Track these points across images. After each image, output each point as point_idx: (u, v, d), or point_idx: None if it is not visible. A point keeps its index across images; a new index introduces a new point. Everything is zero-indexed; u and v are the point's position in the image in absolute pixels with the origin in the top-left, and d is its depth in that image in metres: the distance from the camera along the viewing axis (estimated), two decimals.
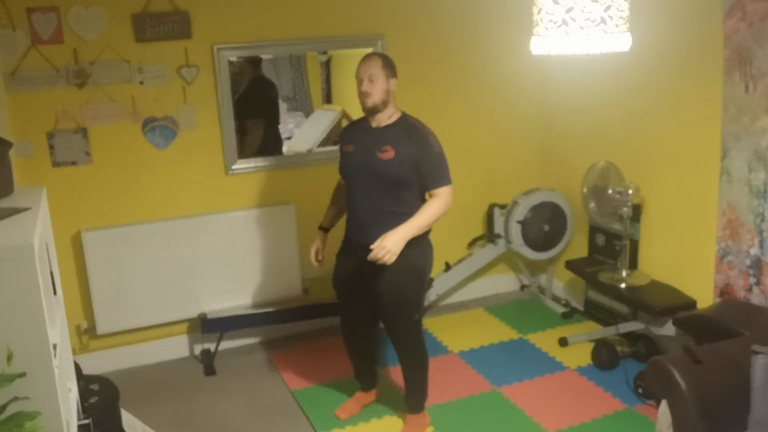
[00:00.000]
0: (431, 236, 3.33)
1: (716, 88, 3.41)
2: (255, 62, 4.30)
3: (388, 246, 3.02)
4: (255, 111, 4.33)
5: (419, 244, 3.17)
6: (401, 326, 3.28)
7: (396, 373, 3.94)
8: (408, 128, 3.17)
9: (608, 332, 4.10)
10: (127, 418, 3.20)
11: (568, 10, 2.32)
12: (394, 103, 3.22)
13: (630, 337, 3.99)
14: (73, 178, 3.89)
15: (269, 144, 4.40)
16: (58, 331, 2.17)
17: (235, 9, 4.01)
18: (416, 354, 3.35)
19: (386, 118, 3.18)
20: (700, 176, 3.61)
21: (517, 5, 4.39)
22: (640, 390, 3.61)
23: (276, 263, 4.26)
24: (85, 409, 2.85)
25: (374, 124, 3.20)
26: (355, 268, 3.28)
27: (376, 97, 3.12)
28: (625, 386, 3.71)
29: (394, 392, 3.74)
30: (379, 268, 3.11)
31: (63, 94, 3.77)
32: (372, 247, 3.04)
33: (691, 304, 3.65)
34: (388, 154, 3.13)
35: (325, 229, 3.54)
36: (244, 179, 4.24)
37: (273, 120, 4.53)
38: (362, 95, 3.14)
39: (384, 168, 3.13)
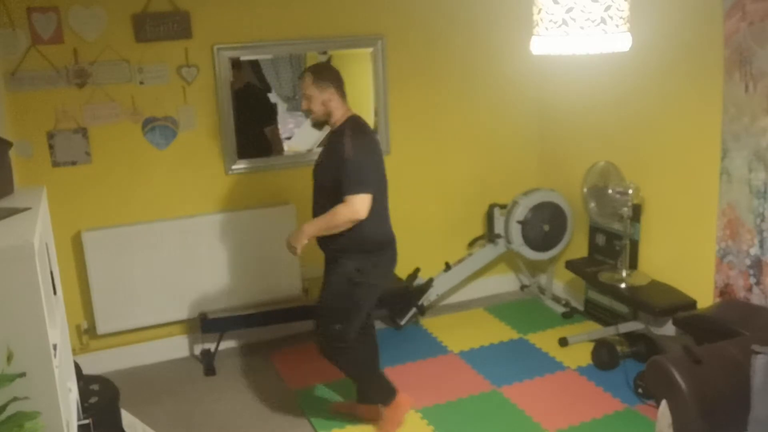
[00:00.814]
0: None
1: (716, 88, 3.41)
2: (249, 67, 4.28)
3: (288, 240, 3.21)
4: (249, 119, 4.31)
5: (351, 260, 3.15)
6: (323, 331, 3.29)
7: (395, 373, 3.94)
8: (338, 134, 3.15)
9: (608, 332, 4.09)
10: (127, 418, 3.20)
11: (568, 10, 2.32)
12: (344, 108, 3.18)
13: (630, 337, 3.99)
14: (73, 178, 3.89)
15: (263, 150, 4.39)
16: (58, 331, 2.18)
17: (235, 9, 4.01)
18: (342, 362, 3.29)
19: (333, 124, 3.22)
20: (700, 176, 3.61)
21: (517, 5, 4.39)
22: (640, 390, 3.61)
23: (276, 263, 4.26)
24: (85, 409, 2.85)
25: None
26: None
27: (316, 113, 3.19)
28: (625, 386, 3.71)
29: None
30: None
31: (63, 94, 3.77)
32: None
33: (691, 304, 3.65)
34: (320, 158, 3.27)
35: None
36: (244, 179, 4.24)
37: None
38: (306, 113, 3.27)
39: (316, 172, 3.27)
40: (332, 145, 3.16)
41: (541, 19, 2.41)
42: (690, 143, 3.68)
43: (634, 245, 4.08)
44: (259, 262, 4.24)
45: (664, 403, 2.67)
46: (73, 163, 3.87)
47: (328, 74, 3.16)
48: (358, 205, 3.02)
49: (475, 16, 4.52)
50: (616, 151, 4.12)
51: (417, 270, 4.58)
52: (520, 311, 4.74)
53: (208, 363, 4.10)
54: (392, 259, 3.32)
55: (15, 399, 1.74)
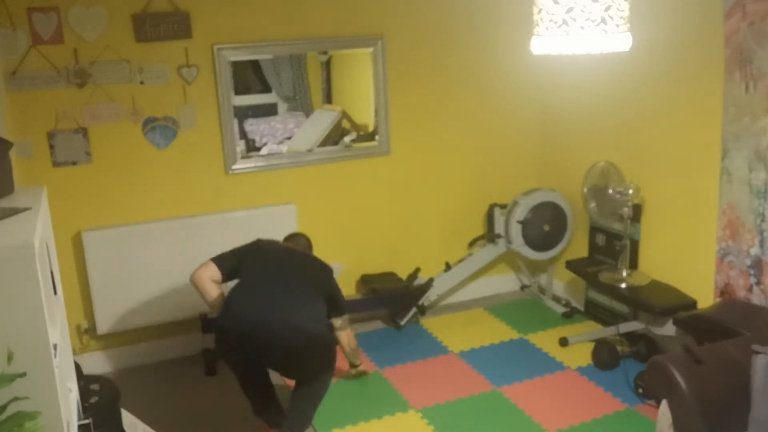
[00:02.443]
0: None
1: (716, 88, 3.41)
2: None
3: None
4: None
5: None
6: None
7: (394, 374, 3.94)
8: None
9: (608, 332, 4.09)
10: (127, 418, 3.20)
11: (569, 10, 2.32)
12: None
13: (630, 337, 3.99)
14: (73, 178, 3.89)
15: None
16: (58, 331, 2.17)
17: (235, 9, 4.01)
18: None
19: None
20: (700, 176, 3.61)
21: (517, 5, 4.39)
22: (640, 390, 3.61)
23: None
24: (86, 409, 2.85)
25: None
26: None
27: None
28: (626, 386, 3.71)
29: (392, 392, 3.74)
30: None
31: (63, 94, 3.78)
32: None
33: (692, 304, 3.65)
34: None
35: None
36: (245, 179, 4.24)
37: None
38: None
39: None
40: None
41: (542, 19, 2.41)
42: (690, 143, 3.68)
43: (634, 245, 4.08)
44: None
45: (664, 403, 2.68)
46: (74, 163, 3.87)
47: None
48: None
49: (475, 16, 4.52)
50: (616, 151, 4.12)
51: (417, 270, 4.58)
52: (520, 311, 4.74)
53: (208, 363, 4.10)
54: (222, 344, 3.43)
55: (15, 399, 1.74)
